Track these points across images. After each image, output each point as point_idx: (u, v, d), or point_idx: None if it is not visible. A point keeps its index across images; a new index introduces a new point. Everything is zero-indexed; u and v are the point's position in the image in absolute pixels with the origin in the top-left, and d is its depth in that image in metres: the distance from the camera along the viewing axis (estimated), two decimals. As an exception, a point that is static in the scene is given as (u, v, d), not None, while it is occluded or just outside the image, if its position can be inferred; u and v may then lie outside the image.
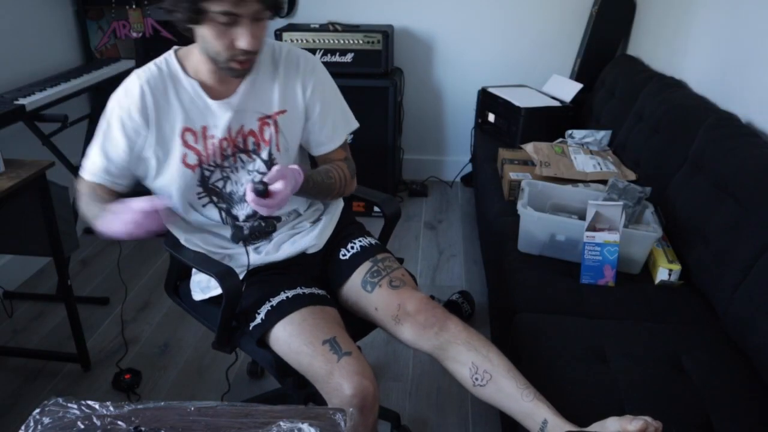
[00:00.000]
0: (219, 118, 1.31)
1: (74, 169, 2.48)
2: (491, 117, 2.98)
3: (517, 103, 2.77)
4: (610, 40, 3.07)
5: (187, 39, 1.26)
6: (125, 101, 1.27)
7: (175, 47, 1.32)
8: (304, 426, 0.84)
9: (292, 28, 3.11)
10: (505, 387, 1.22)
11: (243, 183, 1.37)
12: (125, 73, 2.65)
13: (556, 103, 2.84)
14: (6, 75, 2.34)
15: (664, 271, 1.67)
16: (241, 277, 1.36)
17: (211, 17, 1.14)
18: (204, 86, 1.30)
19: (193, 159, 1.31)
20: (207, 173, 1.34)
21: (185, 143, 1.30)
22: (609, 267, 1.67)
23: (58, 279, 2.00)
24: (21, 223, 1.92)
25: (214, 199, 1.37)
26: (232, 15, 1.14)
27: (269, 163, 1.37)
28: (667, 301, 1.64)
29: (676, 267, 1.67)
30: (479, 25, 3.26)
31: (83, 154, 2.56)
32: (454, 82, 3.40)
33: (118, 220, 1.17)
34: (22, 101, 2.07)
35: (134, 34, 2.70)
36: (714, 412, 1.24)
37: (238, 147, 1.34)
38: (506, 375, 1.23)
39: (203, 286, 1.46)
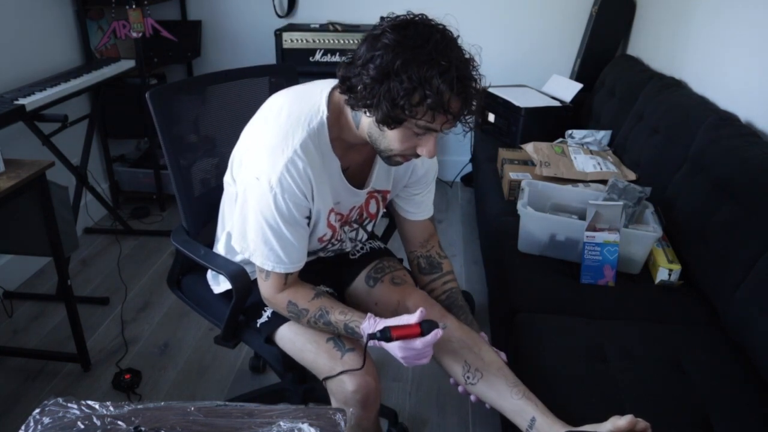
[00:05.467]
0: (351, 199, 1.28)
1: (74, 169, 2.49)
2: (491, 117, 2.98)
3: (517, 103, 2.77)
4: (610, 40, 3.07)
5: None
6: (288, 181, 1.12)
7: (326, 109, 1.15)
8: (304, 426, 0.84)
9: (292, 28, 3.11)
10: (495, 384, 1.23)
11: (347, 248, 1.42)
12: (125, 73, 2.71)
13: (556, 103, 2.84)
14: (6, 75, 2.34)
15: (664, 271, 1.67)
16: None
17: (407, 126, 1.05)
18: (347, 168, 1.23)
19: (328, 235, 1.30)
20: (330, 246, 1.34)
21: (328, 223, 1.26)
22: (609, 267, 1.67)
23: (58, 279, 2.00)
24: (21, 223, 1.92)
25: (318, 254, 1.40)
26: (431, 129, 1.06)
27: (371, 233, 1.45)
28: (667, 301, 1.64)
29: (676, 267, 1.67)
30: (479, 25, 3.26)
31: (83, 154, 2.59)
32: (454, 82, 3.39)
33: (414, 357, 1.13)
34: (22, 101, 2.07)
35: (134, 34, 2.70)
36: (714, 412, 1.24)
37: (348, 221, 1.34)
38: (496, 373, 1.24)
39: (219, 280, 1.46)
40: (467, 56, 1.05)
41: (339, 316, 1.19)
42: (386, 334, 1.10)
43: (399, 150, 1.11)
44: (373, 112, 1.04)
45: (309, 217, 1.21)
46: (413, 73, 0.98)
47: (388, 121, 1.03)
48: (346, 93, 1.08)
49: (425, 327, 1.11)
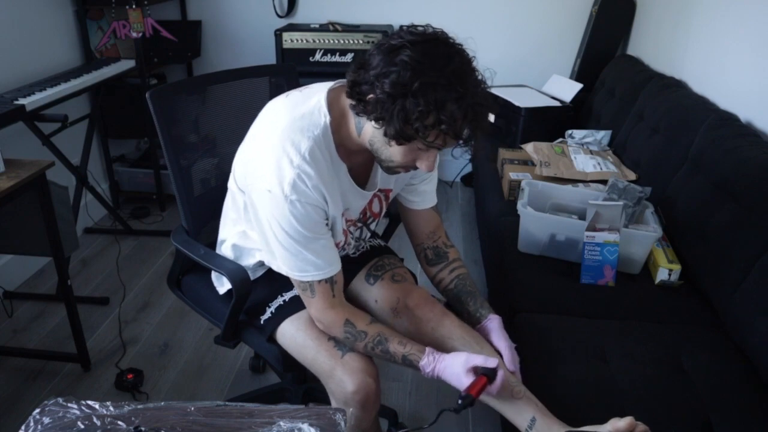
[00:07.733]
0: (359, 202, 1.28)
1: (74, 169, 2.49)
2: (491, 117, 2.97)
3: (517, 103, 2.77)
4: (610, 40, 3.07)
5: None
6: (302, 187, 1.10)
7: (328, 113, 1.13)
8: (304, 426, 0.84)
9: (292, 28, 3.11)
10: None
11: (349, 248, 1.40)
12: (125, 73, 2.71)
13: (556, 103, 2.84)
14: (6, 75, 2.34)
15: (664, 271, 1.67)
16: (261, 273, 1.40)
17: (413, 143, 1.04)
18: (350, 170, 1.21)
19: (341, 243, 1.29)
20: (340, 252, 1.33)
21: (342, 229, 1.26)
22: (609, 267, 1.67)
23: (58, 279, 2.00)
24: (21, 223, 1.92)
25: None
26: (434, 148, 1.05)
27: (374, 232, 1.43)
28: (667, 301, 1.64)
29: (676, 267, 1.67)
30: (479, 26, 3.26)
31: (83, 154, 2.59)
32: (454, 82, 3.39)
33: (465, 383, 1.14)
34: (22, 101, 2.07)
35: (134, 34, 2.70)
36: (714, 412, 1.24)
37: (353, 221, 1.33)
38: None
39: (224, 280, 1.45)
40: (480, 78, 1.03)
41: (398, 346, 1.19)
42: (468, 401, 1.11)
43: (399, 162, 1.10)
44: (382, 125, 1.03)
45: (326, 223, 1.19)
46: (430, 96, 0.96)
47: (398, 137, 1.02)
48: (353, 99, 1.06)
49: (489, 373, 1.14)
